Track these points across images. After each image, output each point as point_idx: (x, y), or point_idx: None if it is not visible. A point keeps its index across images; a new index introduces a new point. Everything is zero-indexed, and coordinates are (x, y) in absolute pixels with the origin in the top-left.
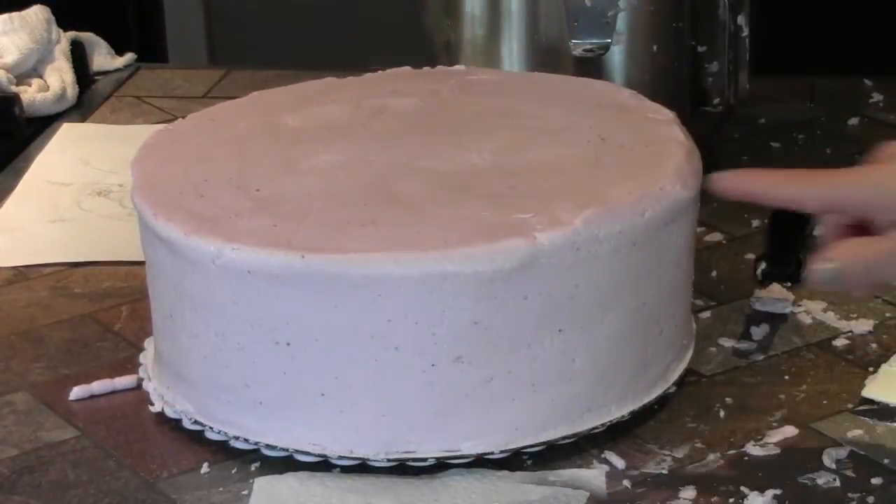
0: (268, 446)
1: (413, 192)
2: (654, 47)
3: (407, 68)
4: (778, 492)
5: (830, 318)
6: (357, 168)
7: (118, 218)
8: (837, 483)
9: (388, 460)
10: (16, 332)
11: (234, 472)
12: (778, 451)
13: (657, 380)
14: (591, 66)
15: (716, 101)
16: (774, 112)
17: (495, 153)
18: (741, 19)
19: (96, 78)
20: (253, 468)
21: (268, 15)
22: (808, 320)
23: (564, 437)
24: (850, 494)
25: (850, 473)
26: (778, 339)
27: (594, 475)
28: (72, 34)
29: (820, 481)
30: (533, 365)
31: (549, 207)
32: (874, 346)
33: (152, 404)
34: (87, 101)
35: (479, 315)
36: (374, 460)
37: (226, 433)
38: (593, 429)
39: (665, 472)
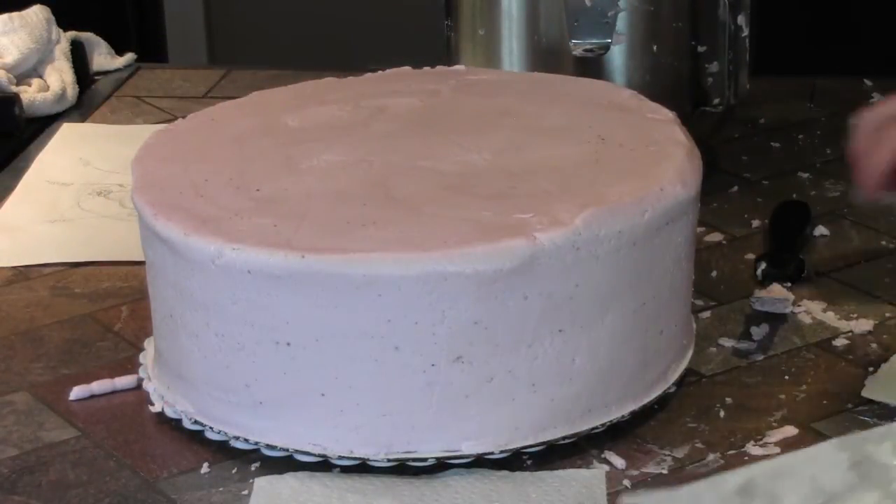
0: (268, 446)
1: (413, 192)
2: (654, 47)
3: (407, 68)
4: None
5: (830, 318)
6: (357, 168)
7: (118, 218)
8: None
9: (388, 460)
10: (16, 332)
11: (234, 472)
12: (778, 451)
13: (657, 380)
14: (591, 66)
15: (716, 101)
16: (774, 112)
17: (495, 153)
18: (741, 19)
19: (96, 78)
20: (253, 468)
21: (268, 15)
22: (808, 320)
23: (564, 437)
24: None
25: None
26: (778, 339)
27: (594, 475)
28: (72, 34)
29: None
30: (533, 365)
31: (549, 207)
32: (874, 346)
33: (152, 404)
34: (87, 101)
35: (480, 315)
36: (374, 460)
37: (226, 433)
38: (593, 429)
39: (665, 472)
